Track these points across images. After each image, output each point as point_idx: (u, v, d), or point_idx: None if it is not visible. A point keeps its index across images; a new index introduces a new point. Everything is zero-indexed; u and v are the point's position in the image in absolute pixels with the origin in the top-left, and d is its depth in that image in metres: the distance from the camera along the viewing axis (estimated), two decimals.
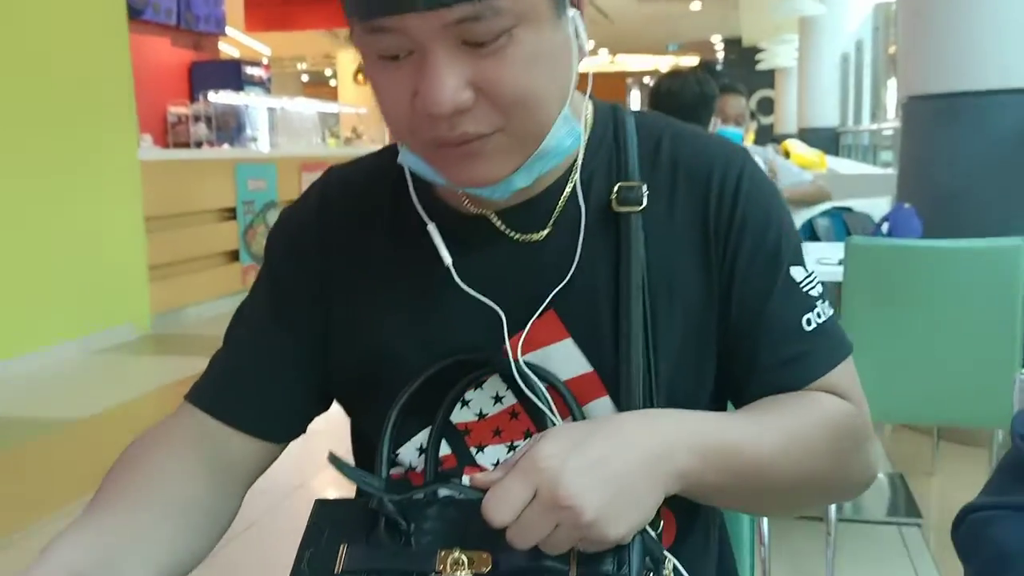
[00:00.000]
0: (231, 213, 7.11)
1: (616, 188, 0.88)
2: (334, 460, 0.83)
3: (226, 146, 7.78)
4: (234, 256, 7.18)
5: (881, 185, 4.86)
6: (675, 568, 0.81)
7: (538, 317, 0.87)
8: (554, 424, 0.85)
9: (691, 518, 0.93)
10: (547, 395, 0.86)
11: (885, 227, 3.09)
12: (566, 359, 0.87)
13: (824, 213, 3.72)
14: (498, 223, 0.90)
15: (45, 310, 5.23)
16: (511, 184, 0.83)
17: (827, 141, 10.54)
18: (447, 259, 0.88)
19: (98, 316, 5.67)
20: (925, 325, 2.41)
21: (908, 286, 2.40)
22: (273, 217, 7.47)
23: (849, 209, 3.72)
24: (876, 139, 9.80)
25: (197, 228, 6.71)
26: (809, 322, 0.88)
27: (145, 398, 4.50)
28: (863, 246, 2.45)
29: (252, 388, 0.94)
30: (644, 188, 0.88)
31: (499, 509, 0.71)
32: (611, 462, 0.73)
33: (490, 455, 0.90)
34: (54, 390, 4.79)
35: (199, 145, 7.64)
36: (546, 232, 0.89)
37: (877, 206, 3.79)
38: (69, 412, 4.26)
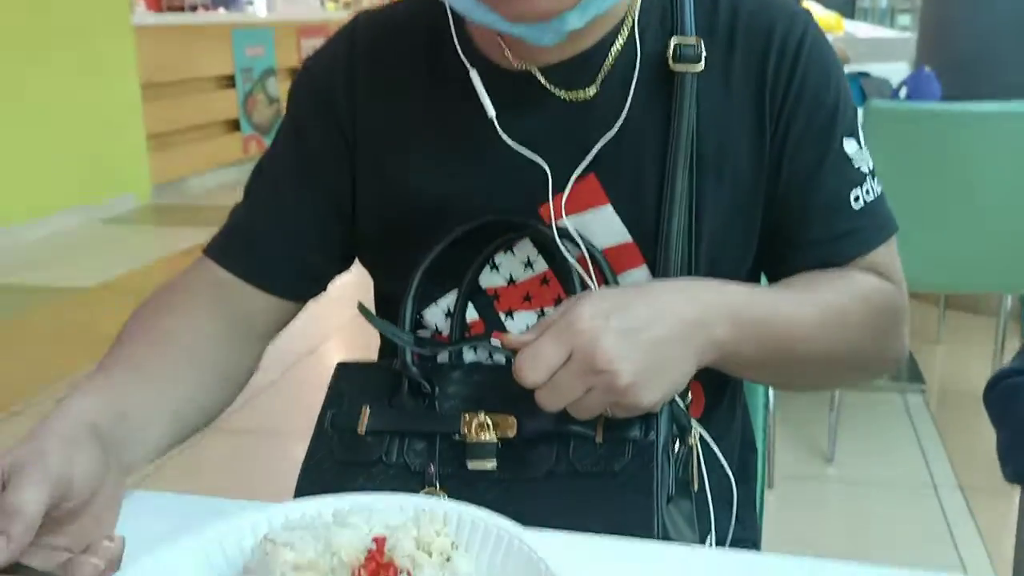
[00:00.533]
0: (229, 81, 6.95)
1: (673, 44, 0.83)
2: (364, 310, 0.81)
3: (221, 10, 7.53)
4: (234, 126, 7.05)
5: (900, 49, 4.70)
6: (700, 437, 0.80)
7: (579, 179, 0.82)
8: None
9: (719, 391, 0.91)
10: (582, 262, 0.83)
11: (903, 92, 2.99)
12: (604, 227, 0.83)
13: None
14: (543, 80, 0.84)
15: (46, 179, 5.19)
16: (564, 23, 0.76)
17: (844, 3, 10.19)
18: (490, 110, 0.83)
19: (99, 185, 5.63)
20: (940, 190, 2.36)
21: (926, 151, 2.34)
22: (272, 86, 7.32)
23: (866, 74, 3.60)
24: (894, 2, 9.50)
25: (195, 96, 6.57)
26: (857, 199, 0.85)
27: (149, 268, 4.50)
28: (882, 109, 2.39)
29: (272, 244, 0.90)
30: (702, 45, 0.83)
31: (532, 369, 0.70)
32: (650, 328, 0.71)
33: (519, 321, 0.87)
34: (58, 259, 4.79)
35: (193, 9, 7.39)
36: (594, 91, 0.84)
37: (895, 71, 3.67)
38: (75, 281, 4.27)
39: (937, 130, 2.35)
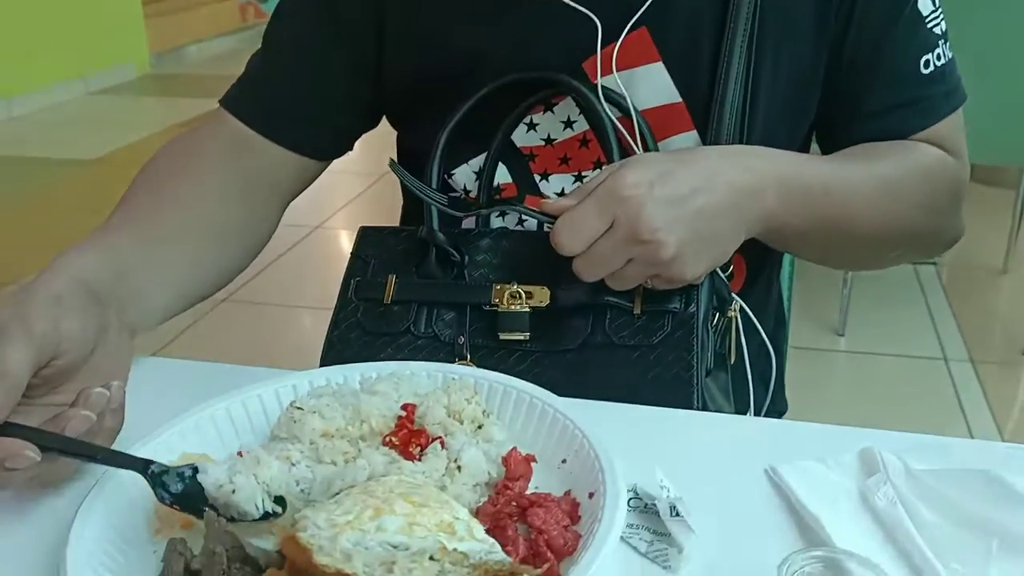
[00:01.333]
0: None
1: None
2: (395, 167, 0.77)
3: None
4: None
5: None
6: (741, 310, 0.77)
7: (630, 31, 0.75)
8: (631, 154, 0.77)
9: (760, 264, 0.87)
10: (626, 125, 0.77)
11: None
12: (652, 85, 0.77)
13: None
14: None
15: (42, 50, 5.04)
16: None
17: None
18: None
19: (97, 55, 5.48)
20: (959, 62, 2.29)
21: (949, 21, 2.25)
22: None
23: None
24: None
25: None
26: (927, 64, 0.79)
27: (150, 139, 4.42)
28: None
29: (293, 98, 0.84)
30: None
31: (571, 237, 0.66)
32: (697, 197, 0.66)
33: (555, 184, 0.82)
34: (57, 131, 4.70)
35: None
36: None
37: None
38: (74, 153, 4.21)
39: (952, 3, 2.25)
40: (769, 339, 0.87)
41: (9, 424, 0.54)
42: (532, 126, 0.81)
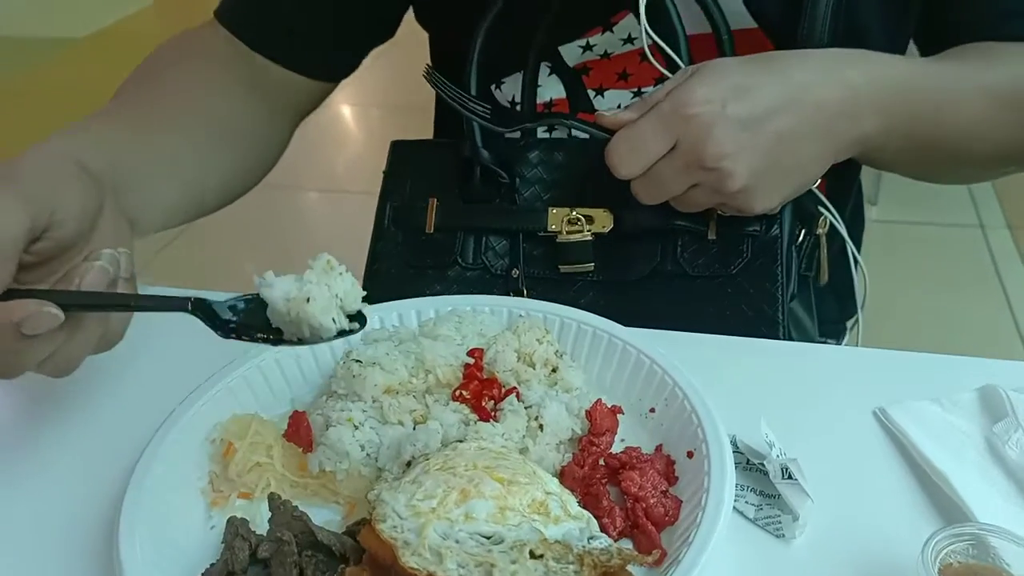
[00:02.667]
0: None
1: None
2: (432, 77, 0.67)
3: None
4: None
5: None
6: (831, 224, 0.69)
7: None
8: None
9: (843, 175, 0.77)
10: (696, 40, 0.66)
11: None
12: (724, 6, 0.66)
13: None
14: None
15: None
16: None
17: None
18: None
19: None
20: None
21: None
22: None
23: None
24: None
25: None
26: None
27: (148, 11, 4.22)
28: None
29: (301, 15, 0.73)
30: None
31: (627, 159, 0.58)
32: (778, 118, 0.57)
33: (610, 100, 0.72)
34: (43, 3, 4.50)
35: None
36: None
37: None
38: (63, 30, 4.03)
39: None
40: (849, 224, 0.78)
41: (15, 291, 0.46)
42: (588, 47, 0.71)
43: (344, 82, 0.80)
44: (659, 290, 0.64)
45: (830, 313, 0.78)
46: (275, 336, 0.46)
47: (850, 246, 0.71)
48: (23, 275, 0.47)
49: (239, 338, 0.46)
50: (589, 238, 0.65)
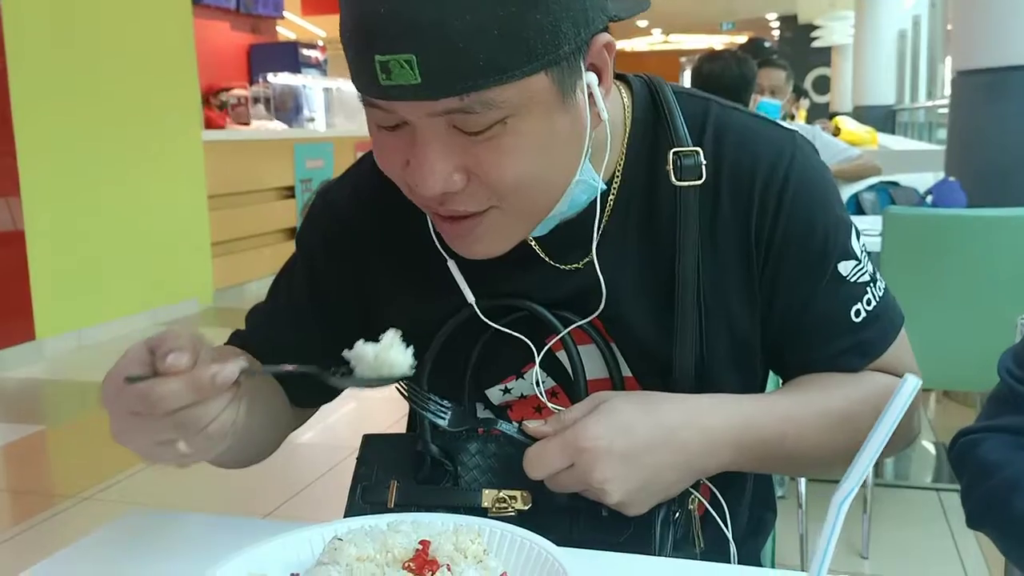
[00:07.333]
0: (290, 192, 7.30)
1: (671, 154, 0.83)
2: (405, 385, 0.85)
3: (283, 126, 7.98)
4: (291, 233, 7.35)
5: (932, 161, 4.85)
6: (711, 497, 0.87)
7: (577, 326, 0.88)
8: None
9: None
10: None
11: (929, 199, 3.12)
12: (599, 364, 0.89)
13: (870, 188, 3.75)
14: (537, 248, 0.87)
15: (117, 285, 5.44)
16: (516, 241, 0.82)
17: (881, 119, 10.42)
18: (470, 297, 0.88)
19: (166, 290, 5.89)
20: (965, 293, 2.45)
21: (946, 256, 2.45)
22: None
23: (895, 183, 3.75)
24: (932, 117, 9.67)
25: (257, 206, 6.90)
26: (858, 313, 0.86)
27: None
28: (900, 216, 2.50)
29: (276, 358, 0.91)
30: (701, 156, 0.83)
31: (535, 469, 0.79)
32: (652, 453, 0.77)
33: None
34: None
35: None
36: (586, 260, 0.86)
37: (924, 180, 3.81)
38: None
39: (955, 235, 2.46)
40: (755, 523, 0.94)
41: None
42: (507, 391, 0.93)
43: None
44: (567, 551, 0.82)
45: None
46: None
47: (725, 527, 0.88)
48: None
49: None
50: (513, 514, 0.84)
